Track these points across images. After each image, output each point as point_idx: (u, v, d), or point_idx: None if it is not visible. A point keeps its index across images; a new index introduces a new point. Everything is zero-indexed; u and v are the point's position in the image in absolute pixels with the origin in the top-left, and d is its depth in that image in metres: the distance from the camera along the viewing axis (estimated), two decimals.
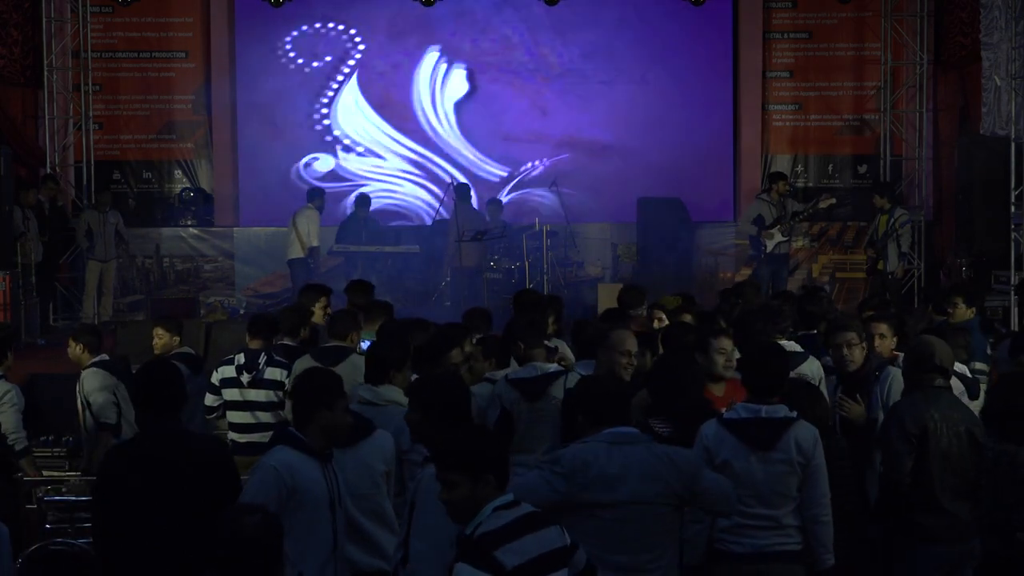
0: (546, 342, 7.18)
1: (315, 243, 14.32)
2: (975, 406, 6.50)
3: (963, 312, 8.81)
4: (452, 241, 14.56)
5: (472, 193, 15.37)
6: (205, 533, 4.90)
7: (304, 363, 7.31)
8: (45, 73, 15.51)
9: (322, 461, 4.91)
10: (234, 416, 7.81)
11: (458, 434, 4.23)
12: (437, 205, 15.23)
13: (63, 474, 7.91)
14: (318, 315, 8.74)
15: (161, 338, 8.43)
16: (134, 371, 7.77)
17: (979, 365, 8.12)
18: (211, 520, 4.87)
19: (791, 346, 7.28)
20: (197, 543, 4.93)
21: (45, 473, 7.93)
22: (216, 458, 5.23)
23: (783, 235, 14.00)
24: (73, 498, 7.26)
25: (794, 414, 5.29)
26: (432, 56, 16.43)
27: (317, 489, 4.86)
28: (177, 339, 8.50)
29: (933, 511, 5.59)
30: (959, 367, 6.88)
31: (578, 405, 5.05)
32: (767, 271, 14.03)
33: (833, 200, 14.35)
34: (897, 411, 5.75)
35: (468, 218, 14.72)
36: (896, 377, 6.47)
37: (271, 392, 7.83)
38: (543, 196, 15.92)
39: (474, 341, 6.98)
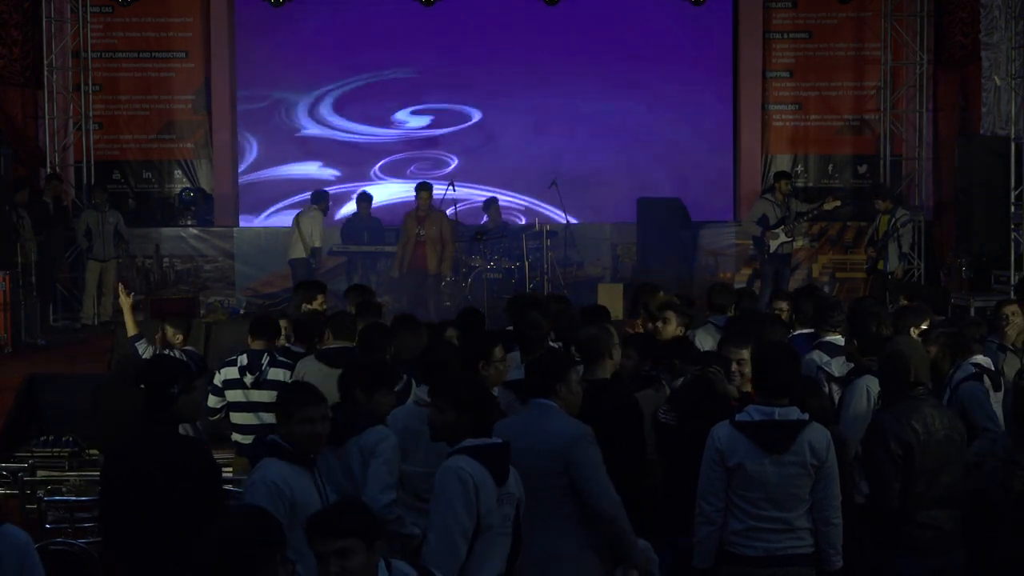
0: (552, 344, 7.17)
1: (317, 244, 14.36)
2: (997, 397, 6.50)
3: None
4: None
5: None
6: (198, 536, 4.91)
7: (307, 364, 7.28)
8: (45, 73, 15.51)
9: (309, 469, 4.91)
10: (238, 417, 7.75)
11: (350, 503, 4.11)
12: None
13: (63, 474, 7.90)
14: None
15: (165, 332, 8.46)
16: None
17: None
18: (205, 521, 4.88)
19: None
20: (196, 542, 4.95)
21: (45, 473, 7.94)
22: (201, 460, 5.18)
23: (787, 236, 13.99)
24: (73, 498, 7.26)
25: (806, 416, 5.24)
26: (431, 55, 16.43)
27: (312, 500, 4.80)
28: (181, 337, 8.50)
29: (910, 521, 5.36)
30: (983, 360, 6.74)
31: None
32: (770, 271, 14.04)
33: (839, 202, 14.33)
34: (880, 430, 5.42)
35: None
36: (862, 388, 6.26)
37: (275, 393, 7.75)
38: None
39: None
